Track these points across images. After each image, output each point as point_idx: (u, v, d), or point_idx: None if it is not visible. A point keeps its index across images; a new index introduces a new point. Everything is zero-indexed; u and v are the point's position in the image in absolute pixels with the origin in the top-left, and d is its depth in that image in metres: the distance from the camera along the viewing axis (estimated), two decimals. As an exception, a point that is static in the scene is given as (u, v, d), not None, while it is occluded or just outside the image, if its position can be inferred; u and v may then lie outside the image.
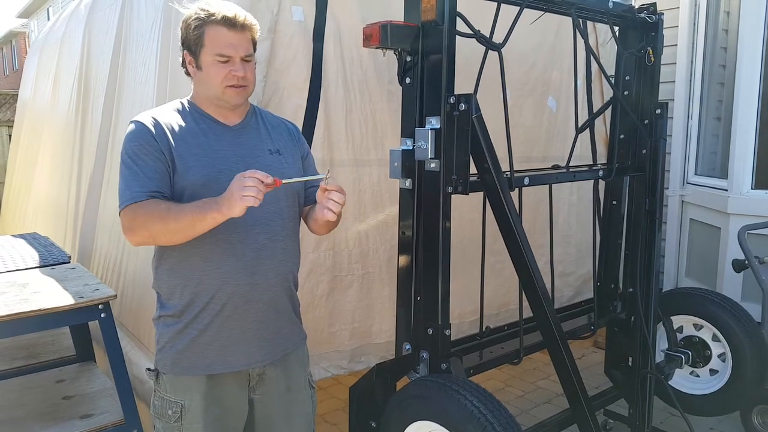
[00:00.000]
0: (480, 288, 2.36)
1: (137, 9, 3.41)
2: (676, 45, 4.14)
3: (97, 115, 3.73)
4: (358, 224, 3.40)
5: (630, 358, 2.76)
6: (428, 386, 1.87)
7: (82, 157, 3.99)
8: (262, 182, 1.43)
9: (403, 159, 2.00)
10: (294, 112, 2.67)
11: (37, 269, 2.81)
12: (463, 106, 1.88)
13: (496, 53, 2.06)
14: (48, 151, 4.99)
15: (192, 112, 1.67)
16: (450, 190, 1.94)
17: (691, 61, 4.13)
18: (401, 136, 2.05)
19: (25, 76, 6.27)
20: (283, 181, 1.49)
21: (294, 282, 1.80)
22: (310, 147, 2.80)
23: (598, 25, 3.85)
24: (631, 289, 2.73)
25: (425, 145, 1.92)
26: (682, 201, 4.21)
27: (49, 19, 20.04)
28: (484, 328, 2.41)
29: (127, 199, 1.54)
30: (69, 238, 4.01)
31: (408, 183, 2.04)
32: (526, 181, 2.15)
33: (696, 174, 4.13)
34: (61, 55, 4.94)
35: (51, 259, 2.97)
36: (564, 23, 3.93)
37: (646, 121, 2.63)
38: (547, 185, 2.39)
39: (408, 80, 1.99)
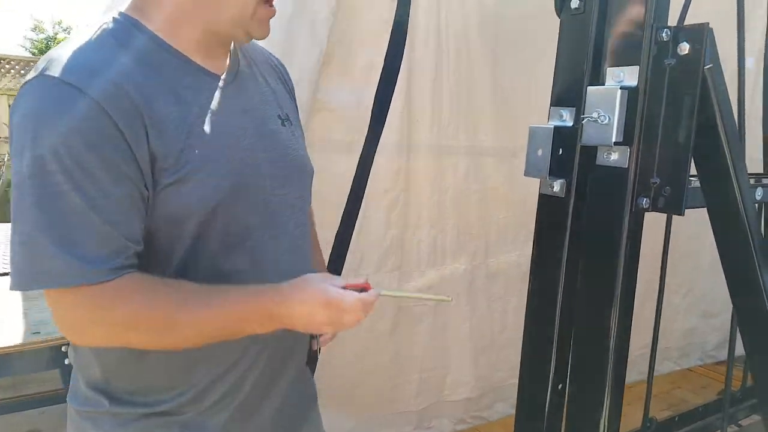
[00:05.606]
0: (649, 370, 1.47)
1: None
2: None
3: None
4: (434, 234, 2.56)
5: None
6: None
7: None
8: None
9: (554, 143, 1.14)
10: (366, 73, 1.84)
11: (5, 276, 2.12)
12: (686, 48, 1.00)
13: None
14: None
15: (160, 52, 0.84)
16: (646, 203, 1.06)
17: None
18: (551, 105, 1.19)
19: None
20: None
21: None
22: (383, 126, 1.98)
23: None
24: None
25: (607, 117, 1.05)
26: None
27: None
28: (648, 422, 1.52)
29: (74, 274, 0.76)
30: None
31: (558, 186, 1.17)
32: (759, 194, 1.25)
33: None
34: None
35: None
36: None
37: None
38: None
39: (576, 3, 1.12)
